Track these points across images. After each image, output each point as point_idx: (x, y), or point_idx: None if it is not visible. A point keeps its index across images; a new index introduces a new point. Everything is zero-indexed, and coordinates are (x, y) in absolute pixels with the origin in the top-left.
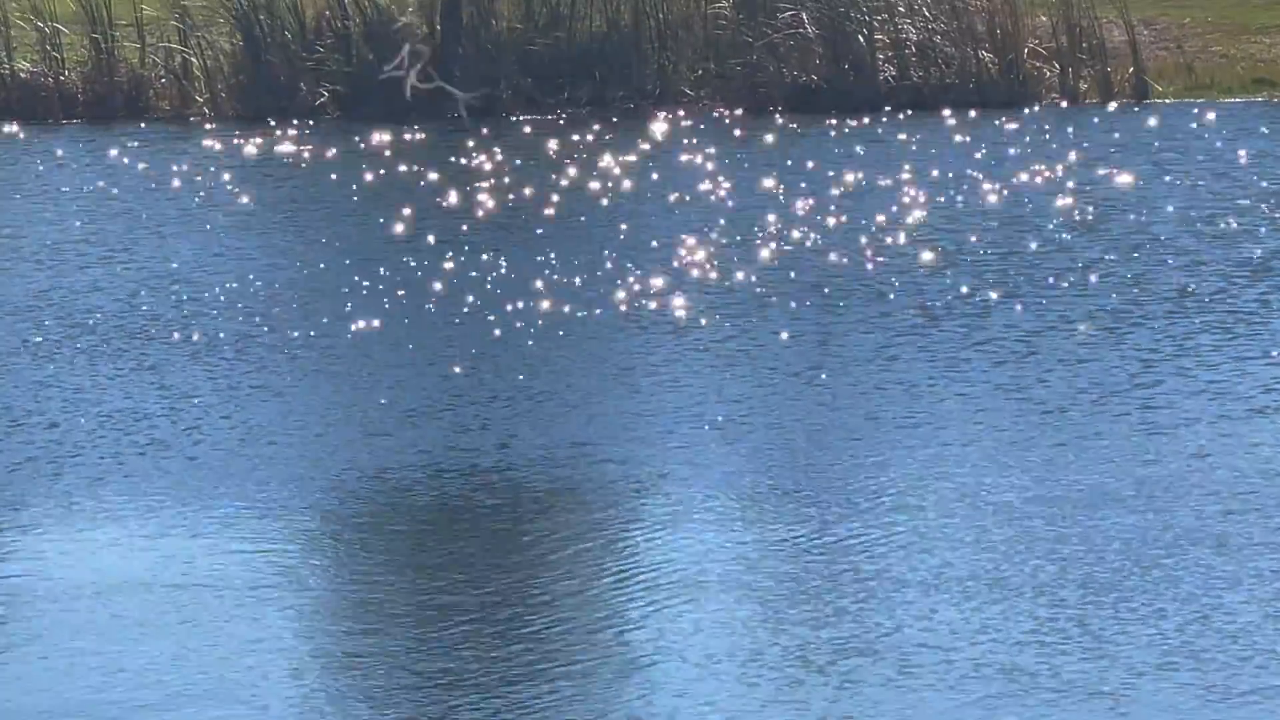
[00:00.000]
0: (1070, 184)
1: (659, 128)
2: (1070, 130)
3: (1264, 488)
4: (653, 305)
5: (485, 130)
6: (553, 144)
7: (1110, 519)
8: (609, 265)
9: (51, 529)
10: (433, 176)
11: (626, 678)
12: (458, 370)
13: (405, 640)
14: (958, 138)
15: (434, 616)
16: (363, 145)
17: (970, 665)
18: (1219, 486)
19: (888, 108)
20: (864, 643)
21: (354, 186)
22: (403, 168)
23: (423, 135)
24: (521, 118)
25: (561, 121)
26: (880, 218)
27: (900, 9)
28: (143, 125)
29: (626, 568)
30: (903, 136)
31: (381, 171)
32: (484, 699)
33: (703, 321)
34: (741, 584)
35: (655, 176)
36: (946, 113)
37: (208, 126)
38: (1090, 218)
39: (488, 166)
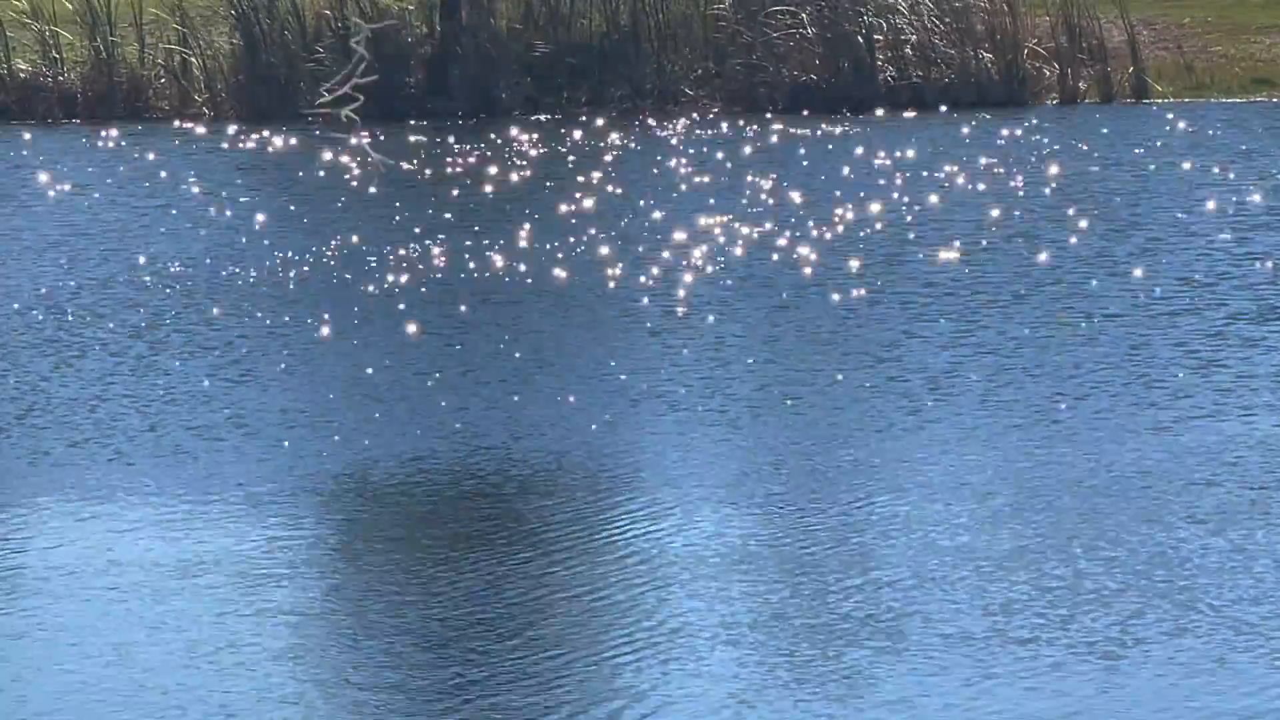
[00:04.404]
0: (1071, 183)
1: (658, 127)
2: (1070, 130)
3: (1269, 475)
4: (652, 300)
5: (486, 129)
6: (552, 143)
7: (1116, 503)
8: (607, 261)
9: (62, 518)
10: (431, 173)
11: (632, 655)
12: (455, 363)
13: (406, 628)
14: (957, 137)
15: (435, 603)
16: (362, 145)
17: (969, 638)
18: (1225, 471)
19: (887, 108)
20: (865, 619)
21: (353, 185)
22: (404, 165)
23: (422, 135)
24: (520, 117)
25: (559, 119)
26: (881, 215)
27: (900, 9)
28: (142, 126)
29: (629, 550)
30: (902, 136)
31: (380, 170)
32: (488, 683)
33: (701, 315)
34: (744, 564)
35: (654, 175)
36: (946, 113)
37: (207, 126)
38: (1093, 216)
39: (488, 165)
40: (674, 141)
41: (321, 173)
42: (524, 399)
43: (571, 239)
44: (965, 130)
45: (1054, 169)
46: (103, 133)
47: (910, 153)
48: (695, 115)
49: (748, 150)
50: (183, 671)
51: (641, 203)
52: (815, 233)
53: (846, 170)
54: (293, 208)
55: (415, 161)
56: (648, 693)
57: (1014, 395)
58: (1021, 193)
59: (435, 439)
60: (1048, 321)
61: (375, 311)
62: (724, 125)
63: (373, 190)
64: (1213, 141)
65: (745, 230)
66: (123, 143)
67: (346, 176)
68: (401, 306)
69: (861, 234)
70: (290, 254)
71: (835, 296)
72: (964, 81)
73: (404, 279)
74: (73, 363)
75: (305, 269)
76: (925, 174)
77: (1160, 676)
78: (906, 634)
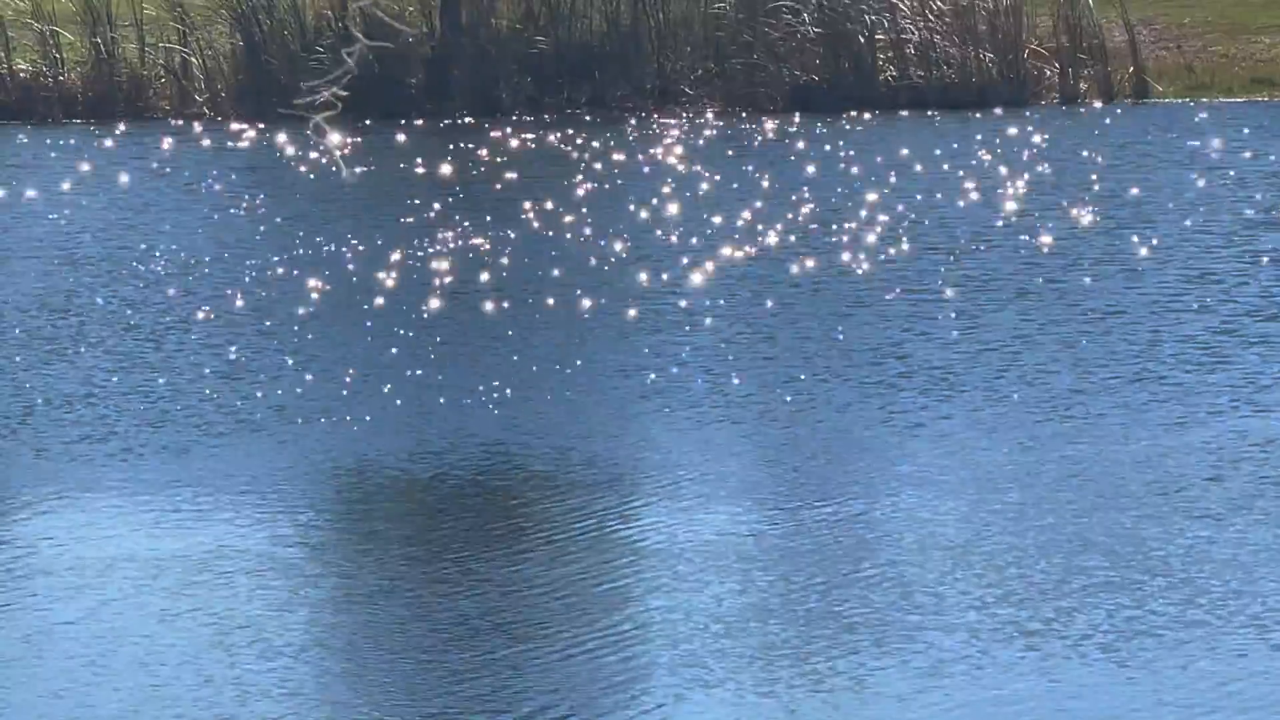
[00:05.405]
0: (1073, 182)
1: (658, 127)
2: (1071, 130)
3: (1267, 470)
4: (654, 298)
5: (487, 128)
6: (552, 143)
7: (1122, 499)
8: (607, 261)
9: (66, 514)
10: (432, 173)
11: (634, 650)
12: (460, 362)
13: (410, 623)
14: (958, 137)
15: (440, 598)
16: (361, 144)
17: (974, 633)
18: (1231, 468)
19: (888, 107)
20: (869, 614)
21: (353, 185)
22: (403, 165)
23: (422, 134)
24: (521, 117)
25: (559, 119)
26: (883, 214)
27: (901, 9)
28: (142, 125)
29: (631, 546)
30: (903, 135)
31: (381, 169)
32: (489, 677)
33: (703, 313)
34: (747, 560)
35: (654, 175)
36: (946, 113)
37: (207, 126)
38: (1096, 215)
39: (489, 164)
40: (674, 141)
41: (317, 172)
42: (526, 397)
43: (572, 239)
44: (966, 130)
45: (1056, 169)
46: (103, 132)
47: (911, 152)
48: (695, 115)
49: (748, 150)
50: (191, 666)
51: (641, 202)
52: (817, 231)
53: (847, 170)
54: (293, 207)
55: (417, 163)
56: (649, 688)
57: (1020, 392)
58: (1023, 192)
59: (436, 437)
60: (1053, 319)
61: (376, 310)
62: (724, 125)
63: (374, 191)
64: (1213, 141)
65: (746, 229)
66: (123, 143)
67: (348, 176)
68: (403, 305)
69: (863, 233)
70: (291, 253)
71: (839, 294)
72: (965, 81)
73: (405, 278)
74: (74, 360)
75: (306, 267)
76: (926, 173)
77: (1164, 672)
78: (911, 629)
